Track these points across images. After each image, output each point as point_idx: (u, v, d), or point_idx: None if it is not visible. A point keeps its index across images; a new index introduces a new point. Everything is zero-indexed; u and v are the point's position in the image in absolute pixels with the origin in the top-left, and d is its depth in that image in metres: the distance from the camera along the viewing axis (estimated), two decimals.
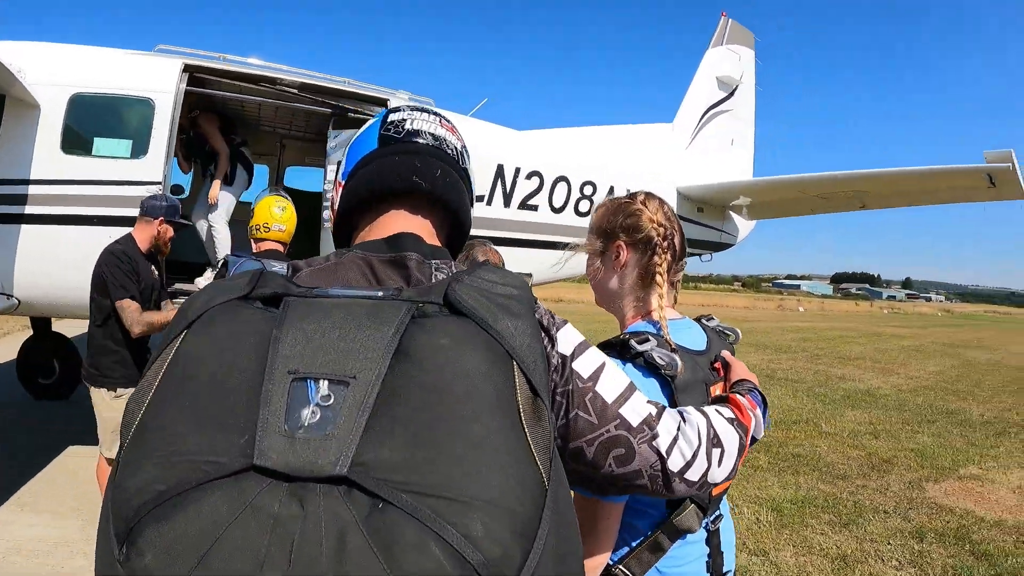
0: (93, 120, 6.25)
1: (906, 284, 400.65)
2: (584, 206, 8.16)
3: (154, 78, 6.29)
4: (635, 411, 1.16)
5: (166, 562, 0.70)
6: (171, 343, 0.89)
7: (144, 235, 4.73)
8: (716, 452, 1.26)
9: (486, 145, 7.44)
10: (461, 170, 1.26)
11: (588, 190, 8.19)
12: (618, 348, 1.57)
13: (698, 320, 1.88)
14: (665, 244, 1.74)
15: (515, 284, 1.03)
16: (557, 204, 7.92)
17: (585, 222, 7.77)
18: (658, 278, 1.73)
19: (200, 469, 0.74)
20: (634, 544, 1.59)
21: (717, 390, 1.61)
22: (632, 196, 1.84)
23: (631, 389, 1.19)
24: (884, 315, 70.13)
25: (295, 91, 6.79)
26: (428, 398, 0.81)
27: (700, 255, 9.82)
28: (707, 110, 10.20)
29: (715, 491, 1.63)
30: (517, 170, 7.58)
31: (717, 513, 1.69)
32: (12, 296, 6.03)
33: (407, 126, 1.24)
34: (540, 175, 7.76)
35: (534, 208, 7.70)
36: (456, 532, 0.72)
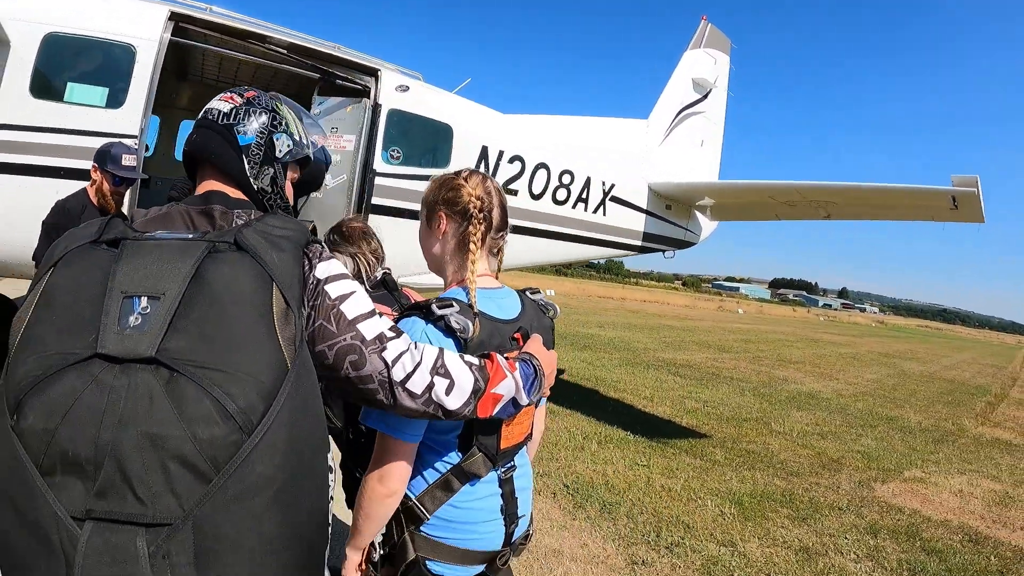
0: (68, 63, 5.73)
1: (842, 294, 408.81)
2: (561, 195, 8.10)
3: (138, 24, 5.80)
4: (371, 329, 1.46)
5: (42, 420, 1.12)
6: (42, 279, 1.29)
7: (92, 187, 4.38)
8: (443, 380, 1.52)
9: (472, 125, 7.33)
10: (220, 127, 1.61)
11: (566, 179, 8.13)
12: (423, 310, 1.78)
13: (523, 292, 2.05)
14: (481, 216, 1.91)
15: (292, 228, 1.42)
16: (536, 191, 7.84)
17: (561, 211, 7.64)
18: (471, 246, 1.89)
19: (63, 359, 1.15)
20: (430, 482, 1.84)
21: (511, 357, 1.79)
22: (457, 173, 2.02)
23: (372, 314, 1.49)
24: (820, 322, 72.08)
25: (283, 51, 6.48)
26: (212, 307, 1.22)
27: (664, 251, 9.86)
28: (681, 110, 10.24)
29: (503, 445, 1.87)
30: (500, 153, 7.47)
31: (510, 465, 1.95)
32: None
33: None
34: (522, 160, 7.67)
35: (514, 193, 7.59)
36: (221, 391, 1.16)
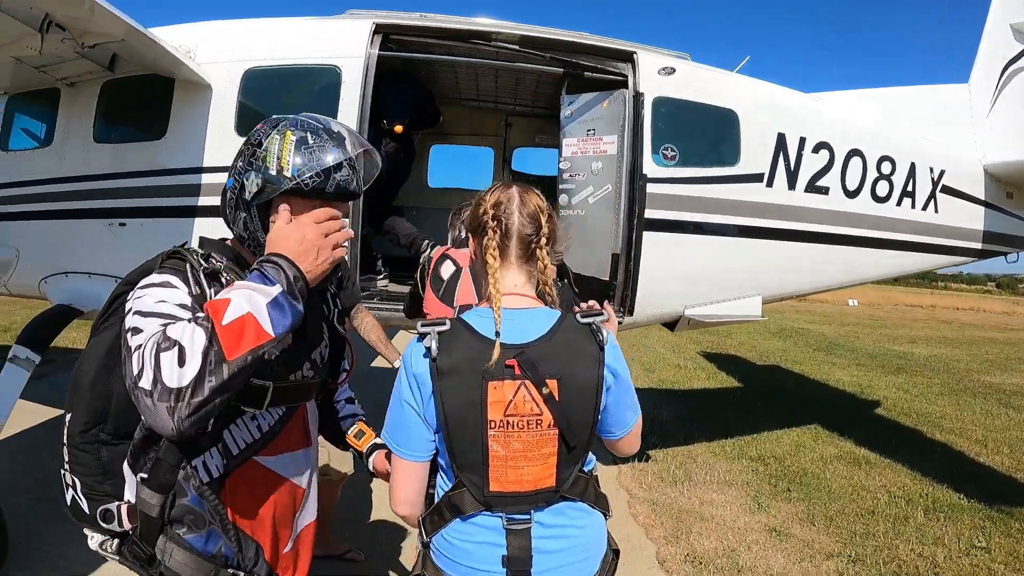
0: (271, 96, 4.85)
1: None
2: (882, 189, 5.55)
3: (339, 43, 4.77)
4: (129, 337, 1.32)
5: None
6: None
7: None
8: (168, 355, 1.23)
9: (762, 108, 5.12)
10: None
11: (886, 168, 5.57)
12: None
13: (572, 313, 1.68)
14: (494, 224, 1.67)
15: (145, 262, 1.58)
16: (851, 186, 5.38)
17: (884, 210, 5.39)
18: (488, 258, 1.66)
19: None
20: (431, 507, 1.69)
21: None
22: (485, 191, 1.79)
23: (134, 315, 1.36)
24: None
25: (515, 47, 4.85)
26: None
27: (1007, 254, 6.82)
28: (1006, 66, 7.22)
29: (494, 487, 1.59)
30: (802, 141, 5.16)
31: (523, 518, 1.61)
32: None
33: None
34: (830, 148, 5.28)
35: (823, 191, 5.23)
36: None
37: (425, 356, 1.57)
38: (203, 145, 4.70)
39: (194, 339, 1.23)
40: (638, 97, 4.68)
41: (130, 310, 1.38)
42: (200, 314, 1.30)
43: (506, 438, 1.57)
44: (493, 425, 1.57)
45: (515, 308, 1.65)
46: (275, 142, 1.48)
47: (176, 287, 1.43)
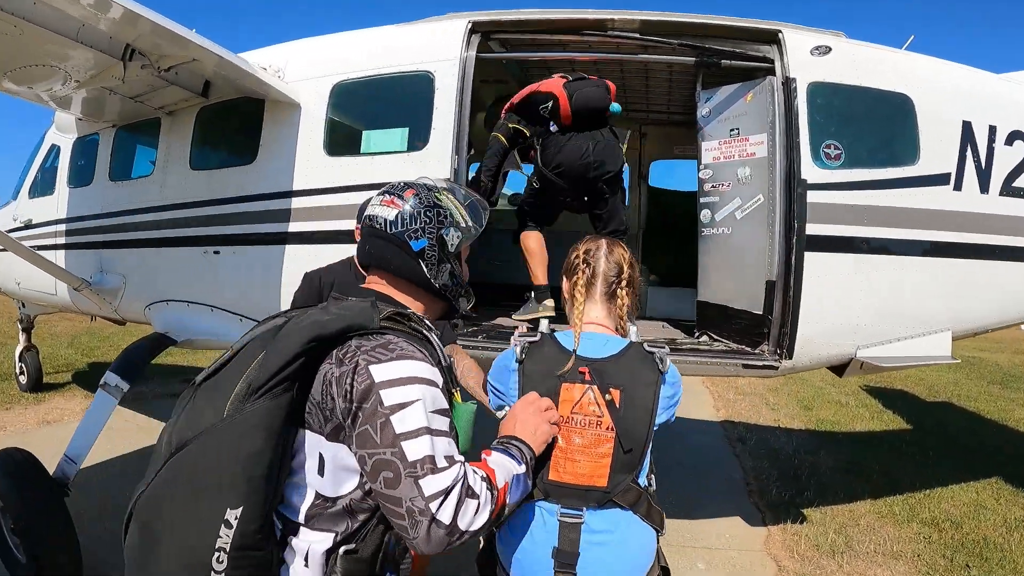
0: (360, 109, 4.16)
1: None
2: None
3: (431, 47, 3.94)
4: (415, 450, 1.26)
5: None
6: None
7: None
8: (472, 503, 1.32)
9: (941, 92, 3.80)
10: (391, 236, 1.52)
11: None
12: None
13: (639, 343, 1.82)
14: (583, 267, 1.87)
15: (341, 313, 1.37)
16: None
17: None
18: (576, 293, 1.86)
19: None
20: None
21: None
22: (579, 242, 1.98)
23: (424, 433, 1.28)
24: None
25: (635, 36, 3.88)
26: None
27: None
28: None
29: (552, 476, 1.71)
30: (992, 131, 3.79)
31: (575, 513, 1.70)
32: None
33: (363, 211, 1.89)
34: None
35: (1022, 193, 3.87)
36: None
37: (516, 360, 1.81)
38: (292, 167, 4.10)
39: (488, 500, 1.36)
40: (788, 84, 3.54)
41: (403, 405, 1.28)
42: (481, 472, 1.41)
43: (569, 432, 1.73)
44: (560, 420, 1.72)
45: (594, 333, 1.83)
46: (449, 202, 1.58)
47: (436, 383, 1.37)
